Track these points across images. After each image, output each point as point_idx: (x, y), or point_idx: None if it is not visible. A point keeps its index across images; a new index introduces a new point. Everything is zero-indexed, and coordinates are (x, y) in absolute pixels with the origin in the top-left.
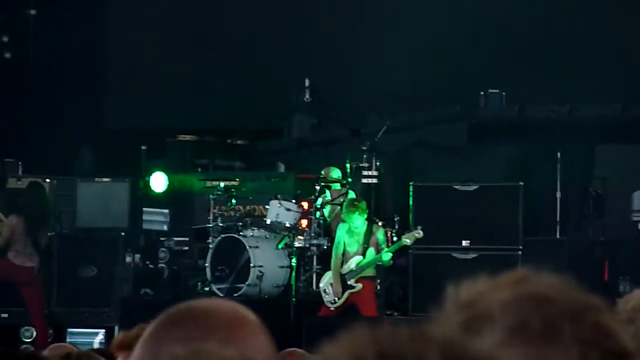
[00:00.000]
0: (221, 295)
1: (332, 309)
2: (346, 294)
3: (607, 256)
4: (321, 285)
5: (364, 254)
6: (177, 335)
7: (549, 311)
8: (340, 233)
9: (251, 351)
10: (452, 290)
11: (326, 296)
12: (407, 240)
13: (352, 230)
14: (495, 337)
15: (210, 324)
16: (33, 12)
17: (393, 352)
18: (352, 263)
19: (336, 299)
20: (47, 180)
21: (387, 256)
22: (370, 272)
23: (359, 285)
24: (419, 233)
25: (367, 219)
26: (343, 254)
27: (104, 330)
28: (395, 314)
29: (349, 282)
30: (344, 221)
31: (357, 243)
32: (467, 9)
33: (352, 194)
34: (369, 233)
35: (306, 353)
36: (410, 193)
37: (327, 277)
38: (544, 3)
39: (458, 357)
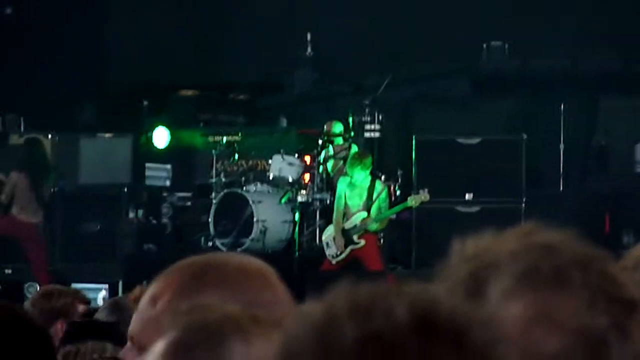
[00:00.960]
0: (224, 250)
1: (334, 262)
2: (348, 249)
3: (609, 209)
4: (323, 238)
5: (368, 210)
6: (215, 292)
7: (557, 259)
8: (341, 187)
9: (272, 305)
10: (458, 245)
11: (328, 250)
12: (413, 201)
13: (353, 184)
14: (504, 284)
15: (248, 280)
16: None
17: (364, 305)
18: (357, 219)
19: (338, 252)
20: (49, 136)
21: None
22: (373, 227)
23: (362, 242)
24: (425, 196)
25: (370, 174)
26: (345, 209)
27: (107, 286)
28: (399, 267)
29: (353, 238)
30: (346, 174)
31: (359, 197)
32: None
33: (355, 148)
34: (372, 188)
35: None
36: (413, 147)
37: (330, 230)
38: None
39: (425, 311)
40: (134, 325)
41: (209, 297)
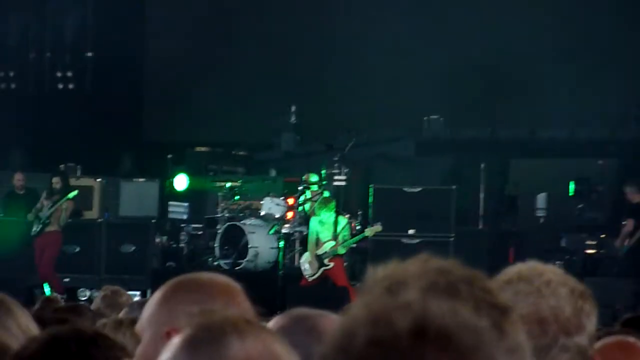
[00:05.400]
0: (227, 268)
1: (309, 280)
2: (321, 270)
3: (515, 244)
4: (301, 261)
5: (335, 239)
6: (187, 298)
7: (449, 277)
8: (313, 224)
9: (242, 312)
10: (372, 270)
11: (305, 271)
12: (368, 232)
13: (322, 222)
14: (412, 295)
15: (213, 290)
16: (90, 54)
17: (377, 314)
18: (327, 246)
19: (313, 273)
20: (98, 179)
21: (342, 250)
22: (341, 251)
23: (331, 264)
24: (378, 227)
25: (335, 212)
26: (317, 240)
27: (139, 293)
28: (358, 284)
29: (324, 261)
30: (315, 214)
31: (327, 231)
32: (416, 54)
33: (326, 194)
34: (336, 223)
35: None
36: (370, 193)
37: (306, 256)
38: (481, 47)
39: (422, 320)
40: (140, 322)
41: (186, 305)
